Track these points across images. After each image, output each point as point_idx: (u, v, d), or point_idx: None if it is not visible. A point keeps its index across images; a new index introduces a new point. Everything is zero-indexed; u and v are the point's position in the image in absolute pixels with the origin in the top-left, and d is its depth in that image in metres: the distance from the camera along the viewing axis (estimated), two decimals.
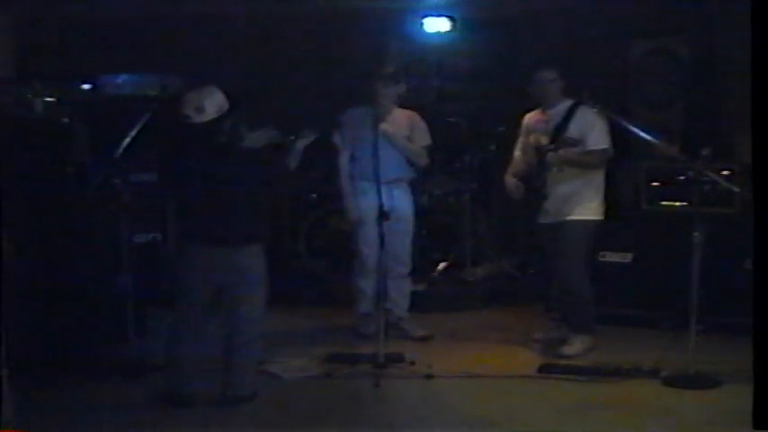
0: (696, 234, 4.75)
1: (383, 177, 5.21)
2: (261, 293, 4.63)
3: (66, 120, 5.51)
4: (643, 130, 5.01)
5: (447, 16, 7.40)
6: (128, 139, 5.02)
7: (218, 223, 4.47)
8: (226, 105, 4.52)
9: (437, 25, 7.47)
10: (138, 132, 5.08)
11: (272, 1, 6.59)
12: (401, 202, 5.73)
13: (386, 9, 6.91)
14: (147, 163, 5.88)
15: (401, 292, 5.84)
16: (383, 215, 5.08)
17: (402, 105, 5.85)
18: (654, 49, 7.42)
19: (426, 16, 7.42)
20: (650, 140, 5.02)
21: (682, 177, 5.83)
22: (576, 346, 5.33)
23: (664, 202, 6.05)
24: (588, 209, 5.31)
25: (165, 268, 6.57)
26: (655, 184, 6.11)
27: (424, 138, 5.84)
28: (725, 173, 5.50)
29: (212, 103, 4.48)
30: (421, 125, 5.85)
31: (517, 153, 5.60)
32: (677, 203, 5.95)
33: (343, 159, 5.79)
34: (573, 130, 5.20)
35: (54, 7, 6.36)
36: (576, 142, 5.14)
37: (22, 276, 4.78)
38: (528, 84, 5.38)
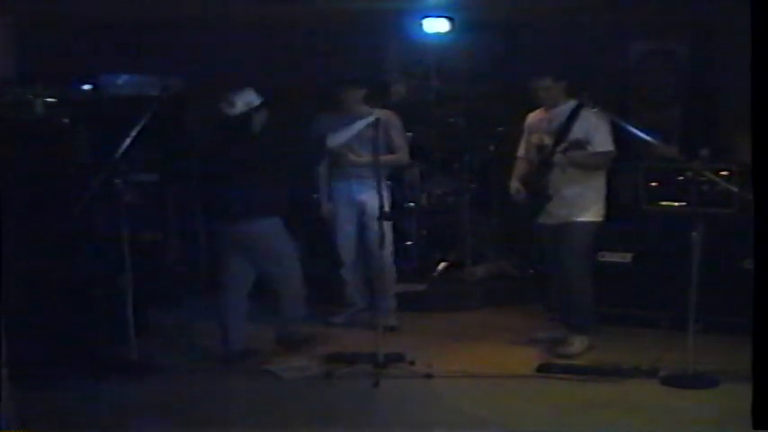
0: (695, 234, 4.76)
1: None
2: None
3: (67, 120, 5.51)
4: (642, 131, 5.01)
5: (446, 17, 7.40)
6: (128, 140, 5.02)
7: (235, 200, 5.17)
8: (256, 101, 5.25)
9: (436, 26, 7.46)
10: (140, 132, 5.08)
11: (272, 1, 6.58)
12: (369, 199, 5.88)
13: (385, 9, 6.90)
14: (148, 163, 5.90)
15: (380, 286, 5.94)
16: (383, 214, 5.25)
17: (389, 106, 6.19)
18: (653, 49, 7.43)
19: (425, 17, 7.42)
20: (649, 141, 5.03)
21: (680, 178, 5.84)
22: (575, 346, 5.34)
23: (663, 203, 6.06)
24: (591, 211, 5.32)
25: (165, 268, 6.60)
26: (654, 184, 6.11)
27: (398, 136, 6.05)
28: (723, 173, 5.51)
29: (242, 99, 5.20)
30: (395, 124, 6.05)
31: (521, 152, 5.62)
32: (676, 203, 5.95)
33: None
34: (577, 131, 5.21)
35: (54, 7, 6.36)
36: (585, 144, 5.15)
37: (22, 276, 4.78)
38: (528, 89, 5.42)
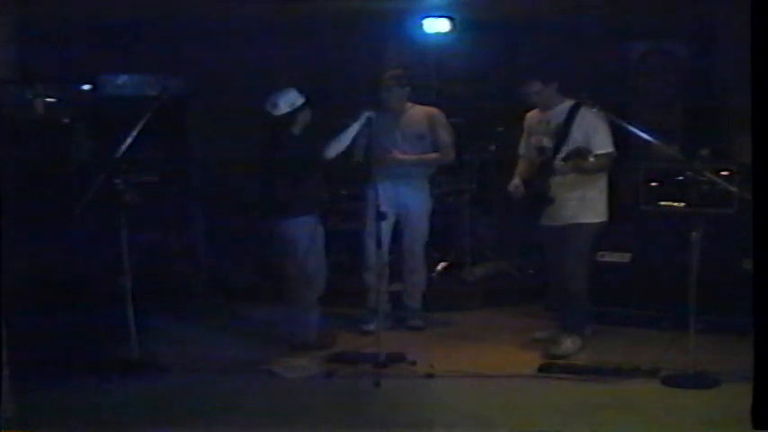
0: (694, 234, 4.76)
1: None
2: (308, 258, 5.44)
3: (67, 120, 5.51)
4: (642, 131, 5.00)
5: (446, 17, 7.41)
6: (128, 140, 5.02)
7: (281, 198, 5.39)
8: (299, 101, 5.39)
9: (437, 26, 7.47)
10: (140, 132, 5.08)
11: (272, 1, 6.59)
12: (413, 199, 5.89)
13: (386, 9, 6.91)
14: (148, 163, 5.89)
15: (412, 284, 6.10)
16: (380, 215, 5.21)
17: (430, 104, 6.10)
18: (653, 49, 7.44)
19: (426, 17, 7.42)
20: (649, 140, 5.02)
21: (680, 177, 5.84)
22: (565, 346, 5.31)
23: (662, 203, 6.05)
24: (593, 212, 5.30)
25: (165, 268, 6.60)
26: (653, 184, 6.11)
27: (444, 134, 5.94)
28: (723, 173, 5.51)
29: (285, 100, 5.37)
30: (441, 122, 5.97)
31: (521, 151, 5.61)
32: (676, 203, 5.95)
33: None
34: (576, 133, 5.17)
35: (54, 7, 6.36)
36: (588, 153, 5.02)
37: (22, 276, 4.78)
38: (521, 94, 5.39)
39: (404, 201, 5.87)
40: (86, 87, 6.23)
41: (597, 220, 5.34)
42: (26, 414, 4.17)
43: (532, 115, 5.53)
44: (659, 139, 5.10)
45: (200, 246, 7.15)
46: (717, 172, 5.36)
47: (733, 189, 5.15)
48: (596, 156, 5.11)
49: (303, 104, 5.44)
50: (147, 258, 5.93)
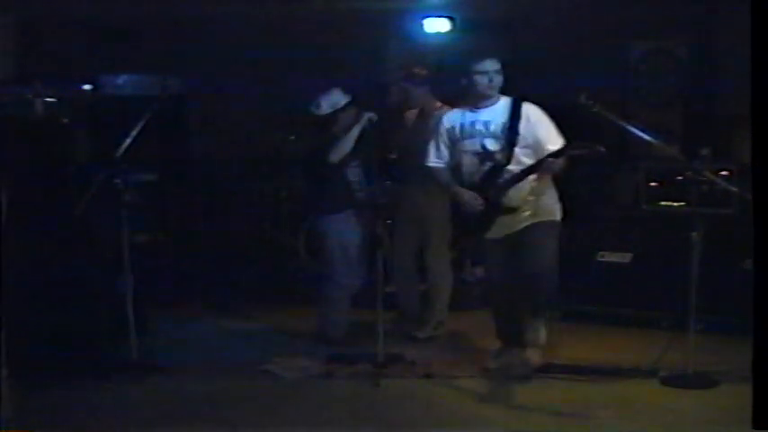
0: (694, 234, 4.76)
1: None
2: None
3: (67, 120, 5.51)
4: (642, 131, 4.98)
5: (447, 17, 7.41)
6: (128, 140, 5.02)
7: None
8: (342, 102, 5.39)
9: (437, 26, 7.48)
10: (140, 132, 5.07)
11: (272, 1, 6.60)
12: (429, 204, 5.59)
13: (386, 9, 6.91)
14: (148, 163, 5.90)
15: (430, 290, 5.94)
16: (380, 216, 5.22)
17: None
18: (653, 49, 7.44)
19: (426, 17, 7.43)
20: (649, 140, 5.00)
21: (680, 178, 5.84)
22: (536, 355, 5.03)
23: (662, 203, 6.06)
24: (556, 210, 4.94)
25: (165, 268, 6.60)
26: (653, 184, 6.11)
27: None
28: (723, 173, 5.51)
29: (327, 100, 5.39)
30: None
31: (434, 161, 4.98)
32: (676, 204, 5.96)
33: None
34: (524, 131, 4.74)
35: (54, 7, 6.37)
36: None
37: (22, 276, 4.78)
38: (464, 79, 4.85)
39: (418, 206, 5.63)
40: (86, 87, 6.23)
41: (559, 218, 4.94)
42: (26, 414, 4.16)
43: (455, 118, 4.92)
44: (659, 139, 5.09)
45: (200, 245, 7.15)
46: (717, 172, 5.36)
47: (733, 189, 5.15)
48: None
49: (347, 104, 5.40)
50: (147, 258, 5.93)
